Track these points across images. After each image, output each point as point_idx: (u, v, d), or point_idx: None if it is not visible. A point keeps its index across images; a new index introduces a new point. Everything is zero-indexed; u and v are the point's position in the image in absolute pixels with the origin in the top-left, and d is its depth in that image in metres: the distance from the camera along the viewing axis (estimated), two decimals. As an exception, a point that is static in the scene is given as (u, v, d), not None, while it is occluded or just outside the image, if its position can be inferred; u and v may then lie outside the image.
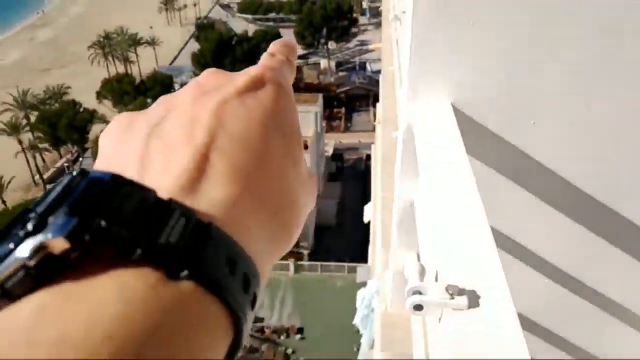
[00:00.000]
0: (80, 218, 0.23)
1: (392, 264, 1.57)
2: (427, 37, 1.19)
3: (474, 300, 0.64)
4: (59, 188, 0.24)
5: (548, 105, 1.22)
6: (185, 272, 0.24)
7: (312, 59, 59.02)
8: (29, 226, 0.22)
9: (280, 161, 0.33)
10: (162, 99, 0.36)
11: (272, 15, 75.23)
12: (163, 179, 0.29)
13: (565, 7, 1.11)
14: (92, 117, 34.75)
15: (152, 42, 57.49)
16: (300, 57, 58.43)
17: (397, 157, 1.42)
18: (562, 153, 1.28)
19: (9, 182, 34.38)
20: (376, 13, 61.78)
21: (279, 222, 0.32)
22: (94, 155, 26.68)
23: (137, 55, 54.89)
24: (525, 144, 1.27)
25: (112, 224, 0.23)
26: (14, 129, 37.43)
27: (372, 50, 51.41)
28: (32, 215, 0.23)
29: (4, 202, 32.75)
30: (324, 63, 54.85)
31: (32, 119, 38.66)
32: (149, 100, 33.81)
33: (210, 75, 0.37)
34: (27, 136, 37.95)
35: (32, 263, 0.22)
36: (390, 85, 3.55)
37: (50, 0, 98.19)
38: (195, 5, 78.09)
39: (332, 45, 55.94)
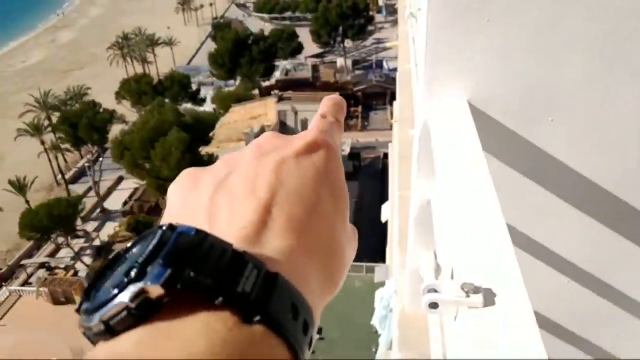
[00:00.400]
0: (172, 269, 0.27)
1: (409, 263, 1.57)
2: (442, 34, 1.18)
3: (489, 298, 0.64)
4: (154, 241, 0.29)
5: (565, 103, 1.21)
6: (257, 317, 0.28)
7: (329, 58, 58.96)
8: (132, 274, 0.27)
9: (331, 217, 0.37)
10: (226, 157, 0.41)
11: (288, 14, 75.28)
12: (230, 229, 0.33)
13: (582, 3, 1.10)
14: (111, 117, 35.23)
15: (170, 43, 58.00)
16: (316, 55, 58.44)
17: (414, 156, 1.41)
18: (580, 150, 1.27)
19: (32, 182, 35.04)
20: (392, 11, 61.38)
21: (329, 272, 0.36)
22: (114, 156, 26.94)
23: (154, 55, 55.42)
24: (543, 141, 1.25)
25: (199, 274, 0.28)
26: (36, 130, 38.13)
27: (388, 48, 51.10)
28: (134, 265, 0.28)
29: (27, 202, 33.39)
30: (340, 61, 54.71)
31: (54, 119, 39.33)
32: (167, 100, 34.16)
33: (269, 138, 0.42)
34: (49, 137, 38.64)
35: (133, 305, 0.27)
36: (407, 83, 3.53)
37: (71, 1, 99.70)
38: (211, 5, 78.54)
39: (348, 43, 55.77)
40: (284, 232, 0.34)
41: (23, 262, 32.46)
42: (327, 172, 0.39)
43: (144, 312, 0.27)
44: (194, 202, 0.37)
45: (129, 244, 0.31)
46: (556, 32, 1.13)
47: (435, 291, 0.65)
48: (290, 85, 43.63)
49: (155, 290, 0.27)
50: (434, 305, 0.65)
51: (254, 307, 0.28)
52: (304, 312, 0.31)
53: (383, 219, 4.81)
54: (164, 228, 0.30)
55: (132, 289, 0.27)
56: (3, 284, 29.57)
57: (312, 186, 0.37)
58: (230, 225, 0.33)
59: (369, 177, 35.44)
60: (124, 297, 0.27)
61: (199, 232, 0.30)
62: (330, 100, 0.48)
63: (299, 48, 54.02)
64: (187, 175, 0.40)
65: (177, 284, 0.27)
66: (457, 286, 0.64)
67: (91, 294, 0.29)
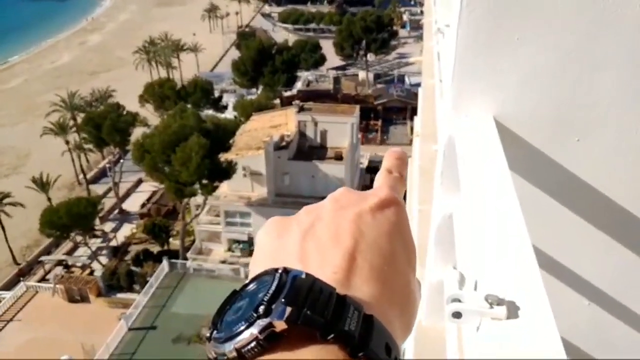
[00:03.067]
0: (294, 308, 0.33)
1: (427, 277, 1.57)
2: (471, 51, 1.19)
3: (513, 311, 0.64)
4: (275, 282, 0.35)
5: (593, 122, 1.21)
6: (361, 354, 0.33)
7: (351, 70, 59.16)
8: (260, 310, 0.33)
9: (405, 267, 0.43)
10: (308, 208, 0.46)
11: (312, 25, 75.90)
12: (322, 273, 0.37)
13: (612, 24, 1.10)
14: (134, 120, 35.76)
15: (194, 49, 58.85)
16: (338, 68, 58.69)
17: (437, 170, 1.42)
18: (607, 171, 1.26)
19: (55, 181, 35.68)
20: (417, 26, 61.45)
21: (405, 316, 0.41)
22: (134, 158, 27.13)
23: (179, 61, 56.28)
24: (569, 160, 1.25)
25: (314, 313, 0.33)
26: (61, 129, 38.91)
27: (411, 64, 51.09)
28: (262, 302, 0.34)
29: (49, 199, 33.99)
30: (362, 75, 54.86)
31: (79, 120, 40.07)
32: (189, 106, 34.57)
33: (345, 193, 0.47)
34: (73, 137, 39.38)
35: (262, 337, 0.33)
36: (430, 98, 3.54)
37: (101, 6, 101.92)
38: (237, 14, 79.63)
39: (371, 57, 55.95)
40: (369, 278, 0.39)
41: (41, 258, 32.96)
42: (400, 227, 0.44)
43: (269, 342, 0.33)
44: (284, 247, 0.42)
45: (246, 282, 0.37)
46: (586, 51, 1.13)
47: (459, 301, 0.66)
48: (312, 96, 43.83)
49: (280, 325, 0.33)
50: (457, 315, 0.66)
51: (359, 345, 0.33)
52: (396, 351, 0.36)
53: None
54: (279, 271, 0.35)
55: (261, 323, 0.33)
56: (21, 279, 30.05)
57: (388, 239, 0.42)
58: (322, 269, 0.38)
59: (386, 191, 35.19)
60: (254, 329, 0.33)
61: (308, 275, 0.35)
62: (393, 154, 0.52)
63: (321, 60, 54.35)
64: (275, 223, 0.45)
65: (298, 321, 0.33)
66: (481, 297, 0.65)
67: (218, 324, 0.35)
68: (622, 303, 1.45)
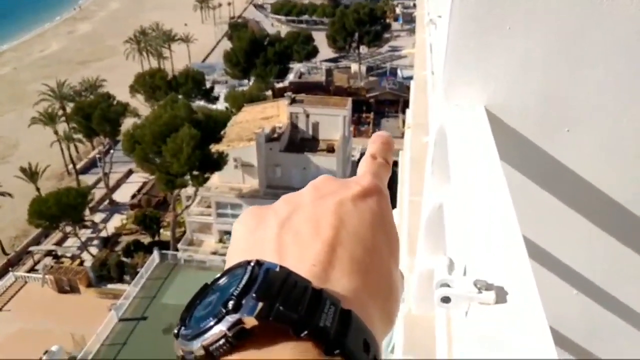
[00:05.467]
0: (265, 303, 0.31)
1: (418, 266, 1.58)
2: (463, 41, 1.19)
3: (501, 295, 0.65)
4: (246, 276, 0.33)
5: (583, 113, 1.21)
6: (337, 351, 0.31)
7: (343, 63, 58.97)
8: (229, 305, 0.31)
9: (387, 259, 0.41)
10: (287, 197, 0.44)
11: (305, 17, 75.49)
12: (300, 266, 0.36)
13: (603, 16, 1.10)
14: (124, 110, 35.46)
15: (186, 39, 58.34)
16: (330, 60, 58.48)
17: (428, 160, 1.42)
18: (595, 163, 1.27)
19: (44, 171, 35.34)
20: (410, 19, 61.34)
21: (387, 309, 0.39)
22: (125, 148, 26.88)
23: (170, 51, 55.79)
24: (558, 151, 1.26)
25: (287, 308, 0.31)
26: (50, 119, 38.49)
27: (404, 57, 51.05)
28: (231, 297, 0.31)
29: (38, 189, 33.67)
30: (354, 67, 54.73)
31: (68, 110, 39.67)
32: (180, 96, 34.35)
33: (326, 180, 0.45)
34: (62, 126, 38.99)
35: (231, 334, 0.31)
36: (422, 90, 3.54)
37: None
38: (229, 4, 78.97)
39: (363, 49, 55.80)
40: (349, 271, 0.37)
41: (30, 248, 32.72)
42: (382, 216, 0.42)
43: (239, 340, 0.31)
44: (260, 239, 0.40)
45: (217, 276, 0.34)
46: (577, 43, 1.14)
47: (448, 286, 0.66)
48: (304, 88, 43.68)
49: (250, 321, 0.31)
50: (446, 300, 0.66)
51: (335, 342, 0.31)
52: (374, 348, 0.34)
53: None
54: (252, 264, 0.34)
55: (230, 319, 0.31)
56: (10, 269, 29.83)
57: (370, 229, 0.40)
58: (300, 262, 0.36)
59: (377, 184, 35.26)
60: (223, 326, 0.31)
61: (282, 268, 0.34)
62: (379, 138, 0.50)
63: (314, 52, 54.12)
64: (251, 213, 0.43)
65: (270, 317, 0.31)
66: (470, 282, 0.65)
67: (187, 321, 0.33)
68: (610, 293, 1.47)
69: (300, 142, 30.29)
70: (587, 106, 1.20)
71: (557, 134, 1.23)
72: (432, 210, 1.44)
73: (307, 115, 30.46)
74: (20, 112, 45.24)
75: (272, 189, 28.74)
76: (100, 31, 76.79)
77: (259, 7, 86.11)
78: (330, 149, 29.23)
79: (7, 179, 34.50)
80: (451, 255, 0.89)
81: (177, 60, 56.29)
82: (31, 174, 34.47)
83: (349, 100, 32.80)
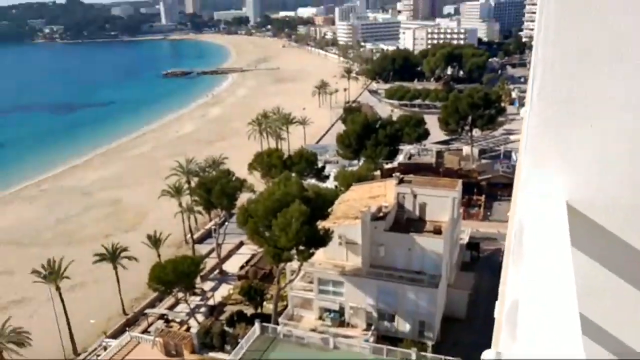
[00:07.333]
0: None
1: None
2: (543, 136, 1.19)
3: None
4: None
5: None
6: None
7: (455, 145, 58.40)
8: None
9: None
10: None
11: (418, 101, 77.08)
12: None
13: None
14: (241, 185, 37.96)
15: (303, 122, 62.21)
16: (441, 142, 58.27)
17: (505, 252, 1.39)
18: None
19: (166, 239, 38.47)
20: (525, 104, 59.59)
21: None
22: (238, 221, 28.03)
23: (288, 132, 59.68)
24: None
25: None
26: (177, 192, 42.37)
27: (517, 141, 49.22)
28: None
29: (159, 255, 36.46)
30: (466, 149, 53.90)
31: (192, 184, 43.42)
32: (293, 174, 36.03)
33: None
34: (185, 199, 42.65)
35: None
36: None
37: (223, 83, 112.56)
38: (345, 90, 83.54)
39: (476, 132, 55.04)
40: None
41: (146, 311, 35.01)
42: None
43: None
44: None
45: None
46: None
47: None
48: (413, 169, 43.68)
49: None
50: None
51: None
52: None
53: (495, 316, 4.45)
54: None
55: None
56: (127, 329, 32.00)
57: None
58: None
59: (487, 269, 33.26)
60: None
61: None
62: None
63: (425, 134, 54.52)
64: None
65: None
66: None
67: None
68: None
69: (406, 222, 29.83)
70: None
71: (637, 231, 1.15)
72: (512, 303, 1.37)
73: (415, 196, 30.15)
74: (154, 184, 50.44)
75: (375, 268, 28.25)
76: (227, 114, 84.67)
77: (373, 92, 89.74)
78: (438, 231, 28.32)
79: (135, 244, 37.94)
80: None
81: (294, 141, 59.71)
82: (155, 241, 37.63)
83: (459, 181, 32.05)
